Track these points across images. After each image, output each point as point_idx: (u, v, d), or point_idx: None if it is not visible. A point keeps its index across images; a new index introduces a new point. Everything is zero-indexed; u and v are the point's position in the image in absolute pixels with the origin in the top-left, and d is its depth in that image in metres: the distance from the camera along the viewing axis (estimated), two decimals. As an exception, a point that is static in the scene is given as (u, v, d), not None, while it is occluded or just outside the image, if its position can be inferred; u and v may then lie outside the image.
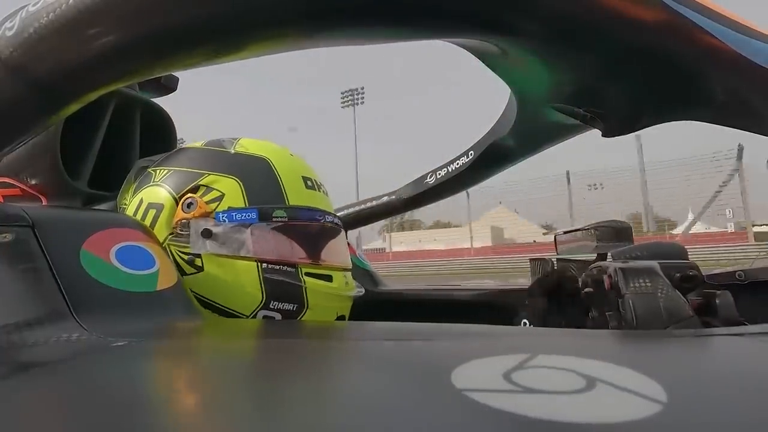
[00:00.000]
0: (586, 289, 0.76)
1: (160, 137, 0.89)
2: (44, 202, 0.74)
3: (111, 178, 0.79)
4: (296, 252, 0.61)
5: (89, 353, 0.35)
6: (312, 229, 0.64)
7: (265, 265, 0.59)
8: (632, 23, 0.34)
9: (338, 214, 1.16)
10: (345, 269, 0.68)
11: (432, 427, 0.19)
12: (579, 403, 0.19)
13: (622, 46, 0.37)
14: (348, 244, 0.97)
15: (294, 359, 0.32)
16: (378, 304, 0.92)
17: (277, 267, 0.59)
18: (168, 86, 0.95)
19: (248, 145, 0.65)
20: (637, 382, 0.21)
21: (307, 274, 0.61)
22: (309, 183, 0.65)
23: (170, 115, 0.91)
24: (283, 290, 0.59)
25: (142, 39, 0.33)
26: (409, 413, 0.20)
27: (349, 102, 32.16)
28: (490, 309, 0.91)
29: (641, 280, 0.52)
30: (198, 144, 0.67)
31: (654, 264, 0.55)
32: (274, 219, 0.59)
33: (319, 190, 0.67)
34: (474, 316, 0.91)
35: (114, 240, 0.49)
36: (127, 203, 0.65)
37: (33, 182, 0.72)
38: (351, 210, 1.16)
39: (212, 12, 0.31)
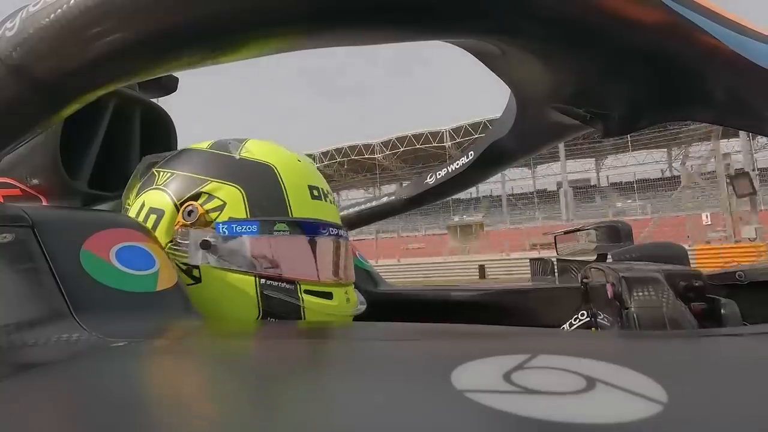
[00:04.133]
0: (585, 281, 0.76)
1: (160, 137, 0.89)
2: (44, 202, 0.74)
3: (111, 178, 0.79)
4: (297, 267, 0.59)
5: (89, 353, 0.35)
6: (314, 244, 0.61)
7: (263, 280, 0.57)
8: (632, 24, 0.34)
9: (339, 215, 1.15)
10: (347, 284, 0.65)
11: (431, 427, 0.19)
12: (579, 403, 0.19)
13: (622, 47, 0.37)
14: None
15: (294, 360, 0.32)
16: (378, 304, 0.92)
17: (276, 284, 0.57)
18: (168, 86, 0.95)
19: (254, 150, 0.63)
20: (637, 382, 0.21)
21: (306, 292, 0.59)
22: (315, 192, 0.62)
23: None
24: (280, 308, 0.57)
25: (142, 39, 0.33)
26: (409, 414, 0.20)
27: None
28: (490, 309, 0.91)
29: (645, 291, 0.52)
30: (204, 145, 0.65)
31: (658, 274, 0.55)
32: (275, 232, 0.57)
33: (326, 200, 0.64)
34: (474, 316, 0.91)
35: (114, 240, 0.49)
36: (130, 204, 0.64)
37: (33, 182, 0.72)
38: (351, 210, 1.17)
39: (213, 13, 0.31)
